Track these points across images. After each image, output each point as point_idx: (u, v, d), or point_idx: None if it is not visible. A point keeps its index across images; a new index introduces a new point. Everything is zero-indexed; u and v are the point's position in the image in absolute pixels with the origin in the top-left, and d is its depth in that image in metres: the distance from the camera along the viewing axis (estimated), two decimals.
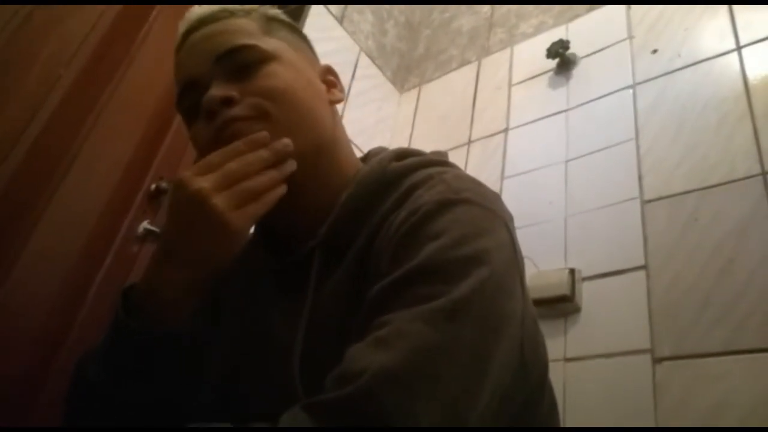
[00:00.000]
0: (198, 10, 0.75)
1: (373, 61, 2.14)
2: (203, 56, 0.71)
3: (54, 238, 1.22)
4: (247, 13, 0.75)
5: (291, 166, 0.66)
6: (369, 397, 0.48)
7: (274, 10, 0.79)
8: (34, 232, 1.19)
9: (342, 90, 0.82)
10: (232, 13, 0.74)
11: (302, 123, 0.70)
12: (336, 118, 0.78)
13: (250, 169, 0.63)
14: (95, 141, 1.32)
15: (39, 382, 1.14)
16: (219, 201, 0.61)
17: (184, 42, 0.74)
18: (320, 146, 0.72)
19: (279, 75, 0.70)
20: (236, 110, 0.67)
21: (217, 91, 0.67)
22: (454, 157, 0.78)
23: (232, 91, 0.68)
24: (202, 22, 0.73)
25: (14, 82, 1.23)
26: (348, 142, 0.80)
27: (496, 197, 0.69)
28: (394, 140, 2.07)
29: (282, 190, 0.65)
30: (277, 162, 0.65)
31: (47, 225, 1.21)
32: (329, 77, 0.81)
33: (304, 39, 0.82)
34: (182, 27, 0.75)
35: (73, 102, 1.30)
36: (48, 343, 1.18)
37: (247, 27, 0.73)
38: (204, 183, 0.61)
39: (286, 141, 0.65)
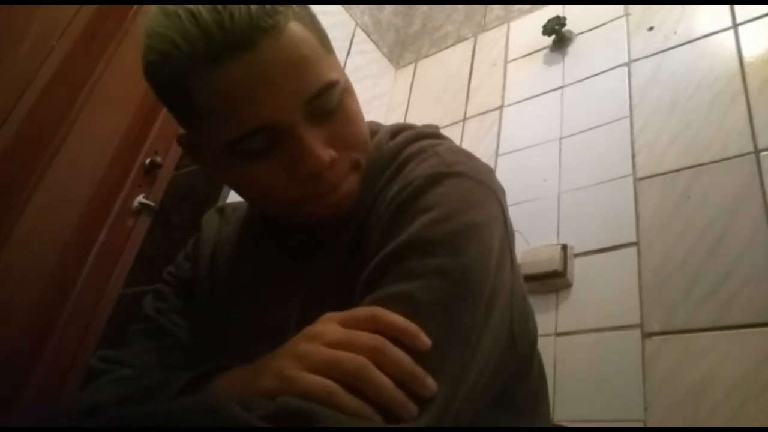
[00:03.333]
0: (235, 8, 0.57)
1: (369, 37, 2.13)
2: (287, 96, 0.59)
3: (49, 211, 1.22)
4: (296, 12, 0.61)
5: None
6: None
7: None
8: (28, 205, 1.19)
9: None
10: (283, 15, 0.59)
11: (364, 157, 0.68)
12: None
13: (379, 363, 0.50)
14: (89, 115, 1.31)
15: (35, 354, 1.15)
16: (316, 357, 0.51)
17: (235, 55, 0.57)
18: None
19: (355, 115, 0.65)
20: (338, 178, 0.64)
21: (321, 151, 0.60)
22: (449, 134, 0.78)
23: (330, 148, 0.62)
24: (257, 29, 0.57)
25: (5, 55, 1.22)
26: None
27: (488, 170, 0.69)
28: (390, 116, 2.07)
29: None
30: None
31: (42, 198, 1.21)
32: None
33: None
34: (211, 27, 0.56)
35: (66, 75, 1.29)
36: (44, 315, 1.19)
37: (313, 43, 0.61)
38: (337, 332, 0.53)
39: (432, 384, 0.51)
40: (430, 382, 0.50)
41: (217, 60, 0.57)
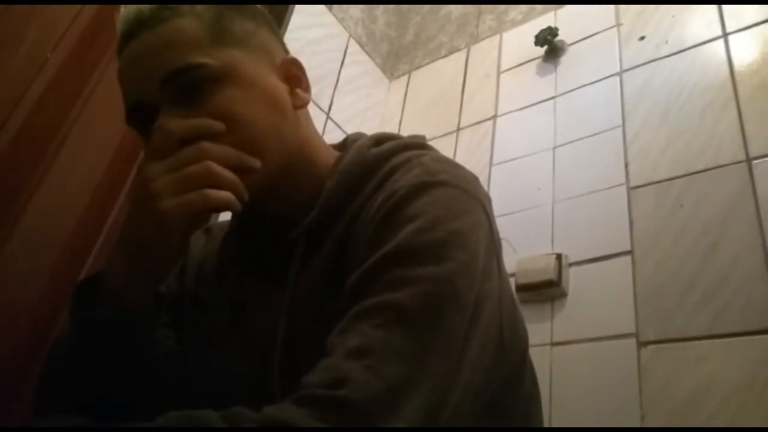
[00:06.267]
0: (135, 7, 0.67)
1: (363, 48, 2.13)
2: (147, 76, 0.64)
3: (44, 222, 1.21)
4: (192, 6, 0.67)
5: (252, 184, 0.63)
6: (349, 407, 0.48)
7: None
8: (23, 216, 1.18)
9: (307, 88, 0.75)
10: (173, 11, 0.66)
11: (258, 150, 0.65)
12: (302, 121, 0.73)
13: (207, 157, 0.60)
14: (84, 125, 1.31)
15: (28, 365, 1.14)
16: (160, 185, 0.59)
17: (125, 46, 0.67)
18: (286, 160, 0.69)
19: (232, 102, 0.65)
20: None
21: (166, 121, 0.63)
22: (443, 144, 0.79)
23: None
24: (142, 23, 0.66)
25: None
26: (318, 135, 0.78)
27: (473, 179, 0.69)
28: (384, 127, 2.07)
29: (234, 203, 0.61)
30: (240, 166, 0.62)
31: (37, 209, 1.20)
32: (293, 72, 0.74)
33: (264, 22, 0.75)
34: (120, 25, 0.68)
35: (61, 86, 1.29)
36: (38, 328, 1.18)
37: (193, 33, 0.66)
38: (154, 167, 0.60)
39: (257, 160, 0.64)
40: (255, 159, 0.63)
41: (120, 52, 0.68)
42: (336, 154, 0.76)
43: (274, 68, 0.72)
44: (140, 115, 0.66)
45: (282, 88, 0.71)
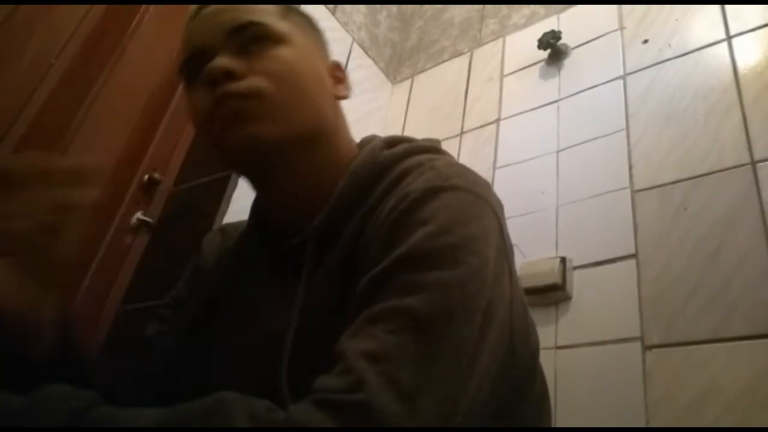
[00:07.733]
0: None
1: (366, 52, 2.14)
2: (215, 28, 0.71)
3: None
4: None
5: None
6: (368, 410, 0.49)
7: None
8: None
9: (348, 87, 0.82)
10: None
11: (301, 107, 0.70)
12: (339, 113, 0.79)
13: None
14: (87, 132, 1.32)
15: None
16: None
17: (198, 13, 0.74)
18: (318, 133, 0.72)
19: (286, 57, 0.71)
20: (236, 86, 0.67)
21: (222, 61, 0.68)
22: (446, 148, 0.79)
23: (237, 65, 0.68)
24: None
25: (4, 72, 1.23)
26: (348, 131, 0.81)
27: (485, 184, 0.69)
28: (387, 131, 2.06)
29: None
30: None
31: None
32: (337, 73, 0.81)
33: (318, 32, 0.82)
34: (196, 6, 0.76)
35: (65, 93, 1.29)
36: None
37: (263, 8, 0.74)
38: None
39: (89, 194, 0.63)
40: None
41: (192, 18, 0.74)
42: (356, 152, 0.77)
43: (323, 62, 0.79)
44: (197, 62, 0.71)
45: (328, 77, 0.78)
